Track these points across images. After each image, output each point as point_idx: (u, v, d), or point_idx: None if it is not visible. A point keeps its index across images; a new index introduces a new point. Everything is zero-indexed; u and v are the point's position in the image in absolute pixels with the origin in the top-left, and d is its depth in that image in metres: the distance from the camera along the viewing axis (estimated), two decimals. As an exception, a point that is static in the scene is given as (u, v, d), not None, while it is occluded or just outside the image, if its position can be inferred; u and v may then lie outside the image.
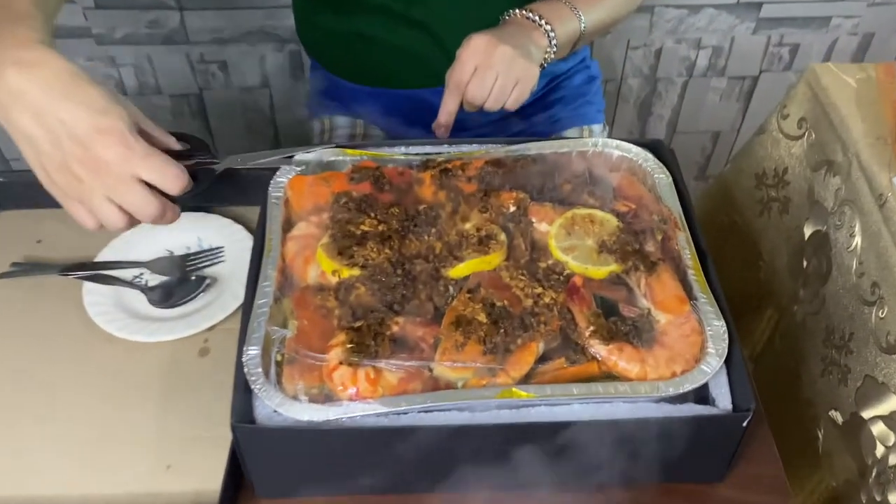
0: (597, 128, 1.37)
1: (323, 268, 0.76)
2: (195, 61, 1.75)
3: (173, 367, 0.83)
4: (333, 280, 0.75)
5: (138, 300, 0.89)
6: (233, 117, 1.86)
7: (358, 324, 0.71)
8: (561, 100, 1.33)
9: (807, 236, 1.12)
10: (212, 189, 0.75)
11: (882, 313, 0.93)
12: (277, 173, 0.86)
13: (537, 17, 0.99)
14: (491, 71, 0.93)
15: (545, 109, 1.31)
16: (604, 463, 0.70)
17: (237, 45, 1.72)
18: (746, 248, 1.28)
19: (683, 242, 0.78)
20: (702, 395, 0.70)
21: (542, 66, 0.99)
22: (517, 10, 1.02)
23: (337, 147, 0.88)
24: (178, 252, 0.94)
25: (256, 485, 0.72)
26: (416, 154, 0.88)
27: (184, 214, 0.95)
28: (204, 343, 0.85)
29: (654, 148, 0.90)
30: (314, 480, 0.72)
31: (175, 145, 0.74)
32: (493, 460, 0.69)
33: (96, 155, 0.65)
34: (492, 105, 0.96)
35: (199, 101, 1.82)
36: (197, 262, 0.92)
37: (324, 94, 1.38)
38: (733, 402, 0.69)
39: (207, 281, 0.89)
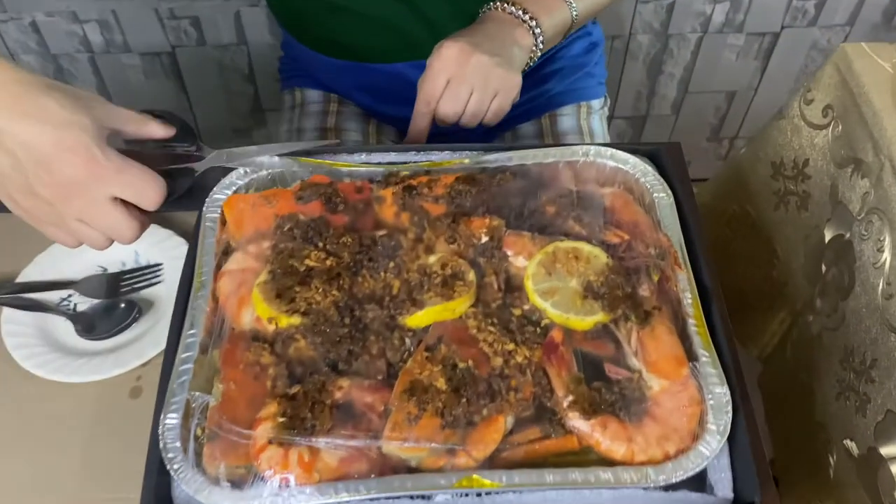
0: (596, 103, 1.24)
1: (258, 313, 0.65)
2: (164, 17, 1.60)
3: (101, 411, 0.74)
4: (270, 328, 0.64)
5: (64, 329, 0.78)
6: (208, 77, 1.73)
7: (294, 390, 0.60)
8: (557, 73, 1.19)
9: (827, 239, 1.00)
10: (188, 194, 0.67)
11: (911, 345, 0.81)
12: (216, 188, 0.74)
13: (521, 12, 0.85)
14: (465, 84, 0.81)
15: (539, 84, 1.18)
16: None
17: (208, 0, 1.57)
18: (759, 242, 1.16)
19: (684, 283, 0.66)
20: (699, 476, 0.59)
21: (527, 65, 0.86)
22: (498, 3, 0.88)
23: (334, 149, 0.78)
24: (113, 269, 0.83)
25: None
26: (379, 164, 0.76)
27: (119, 224, 0.86)
28: (136, 381, 0.75)
29: (655, 157, 0.77)
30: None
31: (158, 132, 0.66)
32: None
33: (63, 177, 0.58)
34: (468, 121, 0.84)
35: (172, 59, 1.69)
36: (132, 281, 0.81)
37: (295, 63, 1.25)
38: (735, 490, 0.58)
39: (137, 310, 0.78)
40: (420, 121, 0.86)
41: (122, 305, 0.78)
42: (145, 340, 0.76)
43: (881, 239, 0.86)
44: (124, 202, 0.62)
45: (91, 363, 0.75)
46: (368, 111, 1.21)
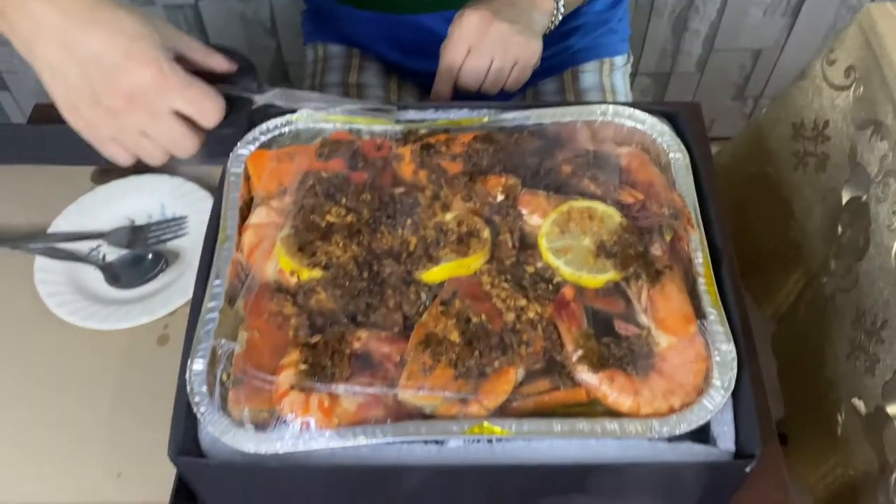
0: (619, 60, 1.23)
1: (281, 266, 0.67)
2: (188, -31, 1.61)
3: (129, 358, 0.77)
4: (293, 281, 0.66)
5: (94, 278, 0.81)
6: (231, 30, 1.73)
7: (315, 339, 0.62)
8: (579, 28, 1.18)
9: (844, 201, 1.00)
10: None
11: (921, 308, 0.82)
12: (240, 143, 0.76)
13: None
14: (485, 53, 0.82)
15: (561, 40, 1.17)
16: (587, 501, 0.63)
17: (229, -50, 1.57)
18: (778, 203, 1.16)
19: (696, 243, 0.67)
20: (702, 429, 0.61)
21: (548, 29, 0.86)
22: None
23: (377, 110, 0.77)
24: (140, 221, 0.86)
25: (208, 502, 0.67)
26: (398, 122, 0.77)
27: (147, 177, 0.88)
28: (164, 329, 0.78)
29: (673, 118, 0.77)
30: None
31: (222, 65, 0.67)
32: (465, 498, 0.63)
33: (130, 87, 0.60)
34: (488, 88, 0.85)
35: (196, 12, 1.69)
36: (159, 233, 0.84)
37: (317, 16, 1.26)
38: (737, 443, 0.60)
39: (163, 261, 0.80)
40: (443, 87, 0.87)
41: (150, 256, 0.81)
42: (172, 290, 0.79)
43: (897, 202, 0.86)
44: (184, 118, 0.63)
45: (120, 311, 0.78)
46: (391, 66, 1.22)
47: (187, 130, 0.64)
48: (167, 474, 0.68)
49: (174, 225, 0.84)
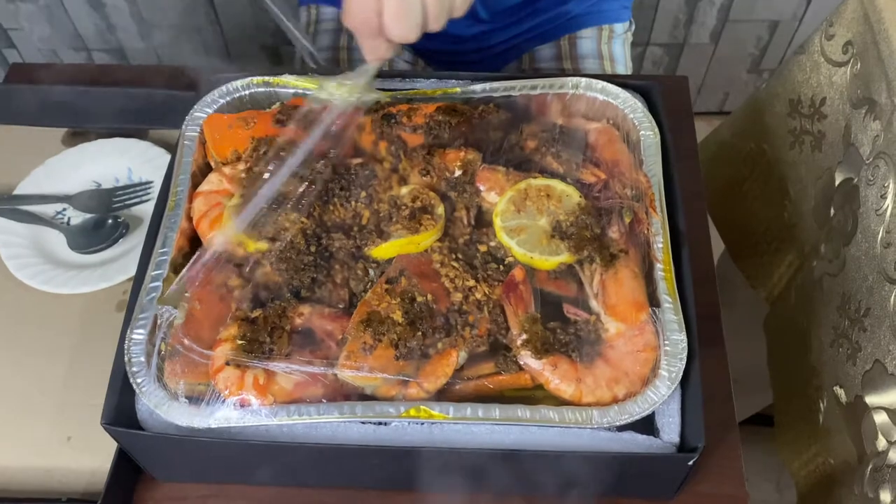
0: (619, 27, 1.19)
1: (229, 235, 0.65)
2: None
3: (87, 323, 0.76)
4: (240, 252, 0.65)
5: (57, 241, 0.80)
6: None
7: (255, 314, 0.61)
8: (579, -8, 1.14)
9: (837, 183, 0.96)
10: None
11: (904, 297, 0.79)
12: (196, 106, 0.74)
13: None
14: None
15: (559, 4, 1.14)
16: (528, 484, 0.62)
17: None
18: (773, 182, 1.12)
19: (657, 227, 0.65)
20: (647, 419, 0.59)
21: None
22: None
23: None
24: (107, 185, 0.85)
25: (149, 470, 0.66)
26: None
27: (115, 141, 0.87)
28: (122, 295, 0.78)
29: (648, 93, 0.74)
30: (208, 473, 0.65)
31: None
32: (402, 479, 0.62)
33: None
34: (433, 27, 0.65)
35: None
36: (124, 198, 0.83)
37: (312, -24, 1.23)
38: (682, 436, 0.58)
39: (124, 226, 0.79)
40: (372, 49, 0.66)
41: (110, 222, 0.80)
42: (131, 256, 0.78)
43: (885, 185, 0.83)
44: None
45: (80, 276, 0.77)
46: None
47: None
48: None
49: (139, 190, 0.83)
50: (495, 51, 1.16)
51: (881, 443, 0.85)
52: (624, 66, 1.19)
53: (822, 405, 0.98)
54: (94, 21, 1.68)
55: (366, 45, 0.64)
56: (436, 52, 1.18)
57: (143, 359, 0.61)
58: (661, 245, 0.64)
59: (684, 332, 0.60)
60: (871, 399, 0.86)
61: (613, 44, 1.18)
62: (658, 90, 0.73)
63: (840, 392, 0.93)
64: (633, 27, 1.23)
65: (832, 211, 0.98)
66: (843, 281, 0.92)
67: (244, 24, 1.77)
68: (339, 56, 1.17)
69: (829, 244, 0.98)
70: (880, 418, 0.85)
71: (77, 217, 0.82)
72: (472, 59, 1.19)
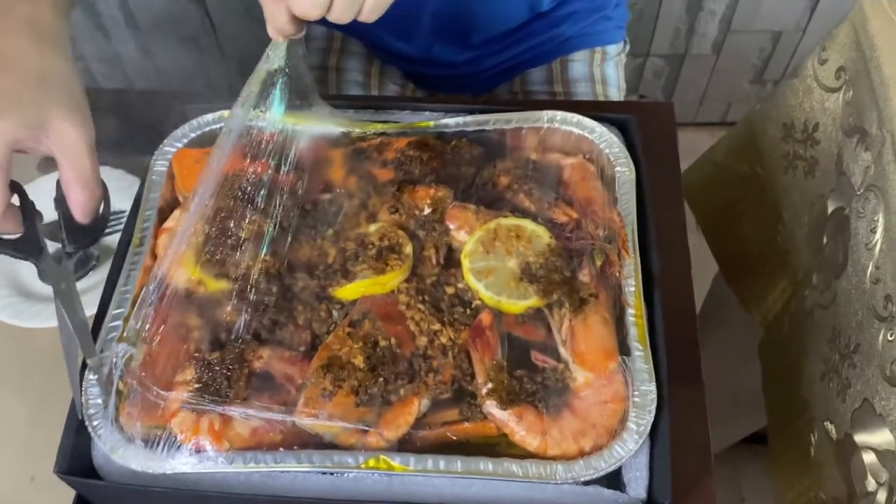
0: (612, 49, 1.17)
1: (189, 274, 0.64)
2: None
3: (56, 357, 0.74)
4: (200, 290, 0.64)
5: (29, 272, 0.79)
6: (232, 2, 1.70)
7: (212, 356, 0.60)
8: (571, 16, 1.12)
9: (829, 211, 0.94)
10: None
11: (891, 336, 0.77)
12: (167, 140, 0.73)
13: None
14: None
15: (551, 27, 1.12)
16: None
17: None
18: (766, 206, 1.10)
19: (629, 270, 0.63)
20: (615, 473, 0.57)
21: None
22: None
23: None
24: (78, 213, 0.83)
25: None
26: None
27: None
28: (95, 330, 0.76)
29: (624, 126, 0.72)
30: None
31: (75, 208, 0.63)
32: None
33: None
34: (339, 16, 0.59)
35: (195, -18, 1.66)
36: (96, 227, 0.81)
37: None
38: (649, 491, 0.56)
39: (94, 258, 0.78)
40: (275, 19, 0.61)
41: (80, 253, 0.78)
42: (99, 290, 0.77)
43: (875, 219, 0.80)
44: None
45: (50, 308, 0.76)
46: (373, 49, 1.17)
47: None
48: (79, 481, 0.66)
49: (112, 220, 0.82)
50: (486, 75, 1.14)
51: (870, 483, 0.83)
52: (616, 88, 1.17)
53: (813, 438, 0.96)
54: (91, 33, 1.68)
55: (266, 7, 0.60)
56: (425, 76, 1.17)
57: (100, 401, 0.59)
58: (632, 289, 0.62)
59: (654, 383, 0.58)
60: (861, 438, 0.83)
61: (606, 66, 1.16)
62: (635, 123, 0.71)
63: (831, 427, 0.90)
64: (628, 47, 1.21)
65: (825, 239, 0.96)
66: (833, 314, 0.90)
67: (241, 35, 1.76)
68: (327, 77, 1.16)
69: (820, 274, 0.95)
70: (869, 458, 0.82)
71: (50, 247, 0.81)
72: (463, 83, 1.17)
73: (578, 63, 1.15)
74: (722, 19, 1.74)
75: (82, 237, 0.64)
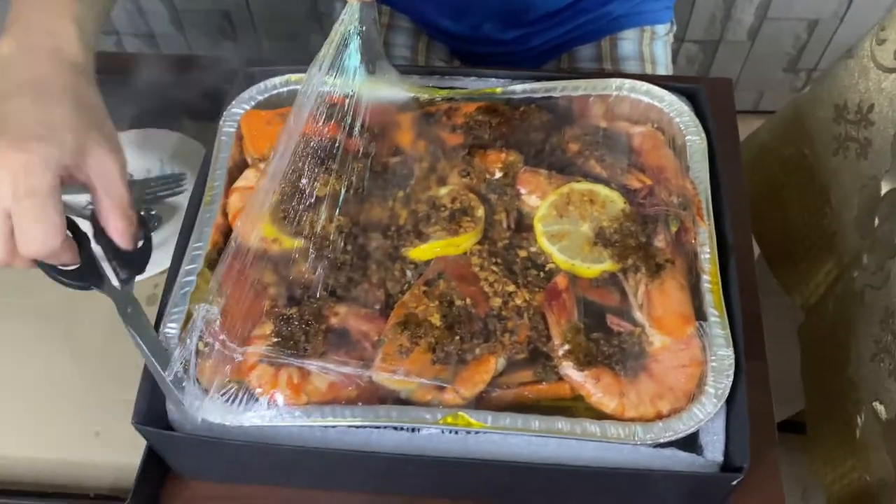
0: (661, 28, 1.17)
1: (264, 232, 0.64)
2: None
3: (117, 316, 0.75)
4: (275, 248, 0.64)
5: (88, 233, 0.79)
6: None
7: (290, 311, 0.60)
8: (621, -8, 1.12)
9: (883, 192, 0.93)
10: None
11: (951, 315, 0.76)
12: (234, 102, 0.73)
13: None
14: None
15: (601, 5, 1.11)
16: (565, 499, 0.60)
17: None
18: (813, 188, 1.09)
19: (704, 237, 0.63)
20: (690, 436, 0.57)
21: None
22: None
23: None
24: (139, 176, 0.84)
25: (177, 469, 0.65)
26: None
27: (149, 131, 0.86)
28: (153, 289, 0.77)
29: (694, 96, 0.72)
30: (238, 474, 0.64)
31: (115, 235, 0.60)
32: (436, 487, 0.60)
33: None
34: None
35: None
36: (156, 190, 0.82)
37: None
38: (726, 454, 0.56)
39: (155, 219, 0.78)
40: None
41: (142, 214, 0.79)
42: (163, 250, 0.76)
43: (936, 199, 0.80)
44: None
45: (107, 268, 0.76)
46: (421, 25, 1.17)
47: (4, 238, 0.54)
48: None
49: (172, 182, 0.82)
50: (534, 52, 1.14)
51: (921, 463, 0.83)
52: (665, 68, 1.17)
53: (859, 420, 0.95)
54: (124, 5, 1.68)
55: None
56: (472, 54, 1.16)
57: (176, 353, 0.60)
58: (708, 255, 0.62)
59: (731, 348, 0.58)
60: (914, 417, 0.83)
61: (655, 45, 1.16)
62: (705, 93, 0.71)
63: (880, 408, 0.90)
64: (675, 28, 1.20)
65: (877, 221, 0.95)
66: (887, 294, 0.90)
67: (274, 11, 1.76)
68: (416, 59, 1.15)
69: (872, 255, 0.95)
70: (921, 437, 0.82)
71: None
72: (510, 61, 1.17)
73: (628, 41, 1.15)
74: (759, 6, 1.73)
75: (132, 263, 0.62)
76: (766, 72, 1.89)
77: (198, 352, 0.60)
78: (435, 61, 1.17)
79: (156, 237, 0.78)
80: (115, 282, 0.61)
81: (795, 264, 1.16)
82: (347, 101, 0.69)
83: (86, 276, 0.60)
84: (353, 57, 0.66)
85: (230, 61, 0.80)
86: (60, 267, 0.59)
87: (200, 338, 0.60)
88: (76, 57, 0.61)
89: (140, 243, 0.62)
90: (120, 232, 0.60)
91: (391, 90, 0.72)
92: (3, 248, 0.55)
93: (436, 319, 0.59)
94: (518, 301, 0.60)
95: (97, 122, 0.60)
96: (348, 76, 0.66)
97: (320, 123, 0.68)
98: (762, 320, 0.73)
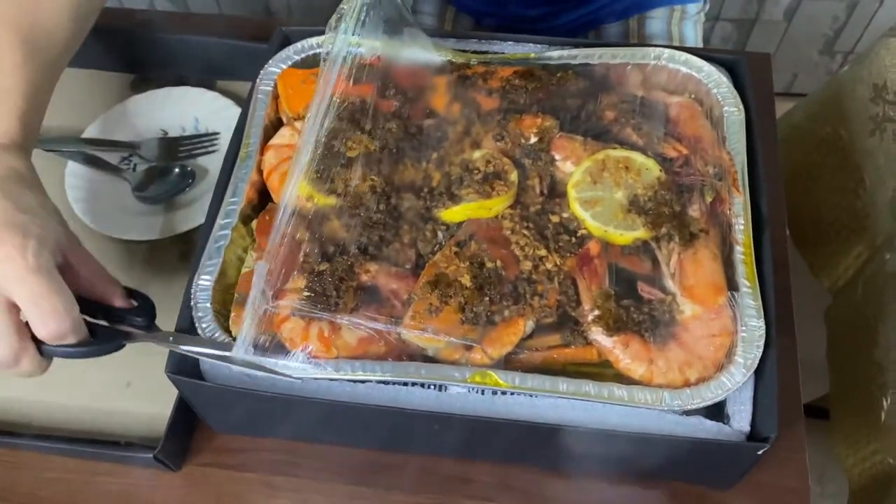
0: (692, 7, 1.15)
1: (300, 190, 0.65)
2: None
3: (150, 271, 0.77)
4: (309, 205, 0.64)
5: (122, 188, 0.81)
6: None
7: (322, 267, 0.60)
8: (652, -30, 1.10)
9: (920, 174, 0.92)
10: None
11: None
12: (271, 61, 0.73)
13: None
14: None
15: None
16: (588, 462, 0.61)
17: None
18: (847, 169, 1.08)
19: (739, 208, 0.62)
20: (717, 405, 0.57)
21: None
22: None
23: None
24: (173, 133, 0.84)
25: (207, 421, 0.67)
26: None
27: (182, 90, 0.87)
28: (186, 245, 0.78)
29: (733, 67, 0.71)
30: (267, 427, 0.65)
31: (117, 300, 0.59)
32: (461, 447, 0.61)
33: None
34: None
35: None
36: (190, 147, 0.83)
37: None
38: (753, 425, 0.56)
39: (191, 176, 0.79)
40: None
41: (177, 171, 0.80)
42: (196, 206, 0.78)
43: (976, 181, 0.79)
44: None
45: (144, 224, 0.77)
46: (464, 8, 1.16)
47: (10, 330, 0.53)
48: (173, 387, 0.68)
49: (206, 140, 0.83)
50: (561, 30, 1.13)
51: (947, 446, 0.82)
52: None
53: (885, 403, 0.95)
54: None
55: None
56: (497, 28, 1.15)
57: (209, 305, 0.60)
58: (742, 227, 0.62)
59: (762, 319, 0.58)
60: (941, 401, 0.83)
61: (684, 25, 1.14)
62: (745, 65, 0.70)
63: (907, 392, 0.90)
64: (707, 7, 1.18)
65: (912, 203, 0.94)
66: (918, 277, 0.89)
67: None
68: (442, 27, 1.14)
69: (906, 238, 0.94)
70: (949, 421, 0.82)
71: (143, 164, 0.82)
72: (538, 32, 1.16)
73: (656, 20, 1.13)
74: (798, -16, 1.70)
75: (143, 311, 0.60)
76: (802, 53, 1.86)
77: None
78: (459, 31, 1.16)
79: (188, 194, 0.79)
80: (139, 332, 0.60)
81: (825, 246, 1.15)
82: (377, 62, 0.70)
83: (113, 335, 0.59)
84: (375, 18, 0.66)
85: (264, 21, 0.80)
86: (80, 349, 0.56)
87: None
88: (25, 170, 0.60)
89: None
90: (119, 294, 0.59)
91: (425, 53, 0.72)
92: (12, 341, 0.53)
93: (466, 280, 0.59)
94: (548, 265, 0.60)
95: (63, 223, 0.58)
96: (370, 37, 0.67)
97: (351, 84, 0.68)
98: (791, 295, 0.73)
